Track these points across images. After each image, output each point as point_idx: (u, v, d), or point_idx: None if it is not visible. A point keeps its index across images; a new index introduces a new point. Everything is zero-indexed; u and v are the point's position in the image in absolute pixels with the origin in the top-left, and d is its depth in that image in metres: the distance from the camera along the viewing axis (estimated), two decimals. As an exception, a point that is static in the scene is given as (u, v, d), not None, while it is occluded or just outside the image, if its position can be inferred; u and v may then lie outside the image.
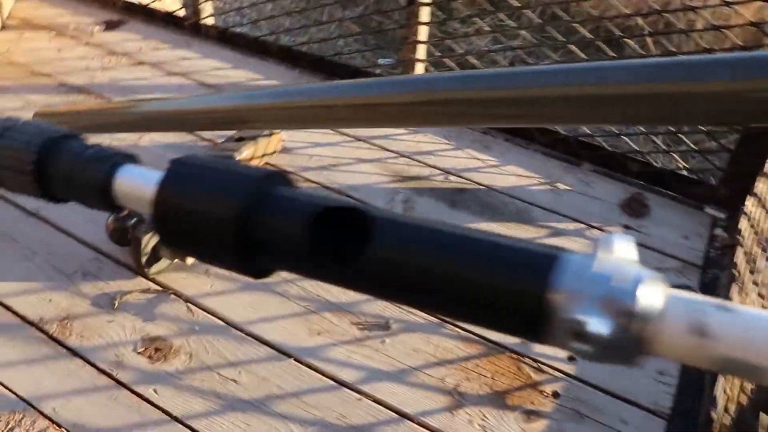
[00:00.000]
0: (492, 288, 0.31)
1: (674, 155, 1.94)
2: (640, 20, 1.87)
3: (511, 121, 1.08)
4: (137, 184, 0.43)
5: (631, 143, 1.86)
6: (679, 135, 1.89)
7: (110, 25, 2.31)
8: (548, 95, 0.92)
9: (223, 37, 2.24)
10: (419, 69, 1.94)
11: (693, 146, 1.86)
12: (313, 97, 1.12)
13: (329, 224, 0.36)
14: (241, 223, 0.36)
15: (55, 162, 0.45)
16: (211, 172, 0.39)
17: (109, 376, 1.28)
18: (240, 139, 1.63)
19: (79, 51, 2.20)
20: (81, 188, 0.44)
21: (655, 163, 1.85)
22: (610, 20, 1.92)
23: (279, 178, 0.39)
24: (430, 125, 1.85)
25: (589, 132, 1.90)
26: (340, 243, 0.36)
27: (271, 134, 1.67)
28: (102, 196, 0.43)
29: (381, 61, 2.94)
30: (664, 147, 1.78)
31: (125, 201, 0.43)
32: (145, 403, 1.24)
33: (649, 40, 2.57)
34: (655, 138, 1.82)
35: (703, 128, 1.79)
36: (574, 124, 1.97)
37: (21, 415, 1.20)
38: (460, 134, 1.94)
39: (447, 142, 1.91)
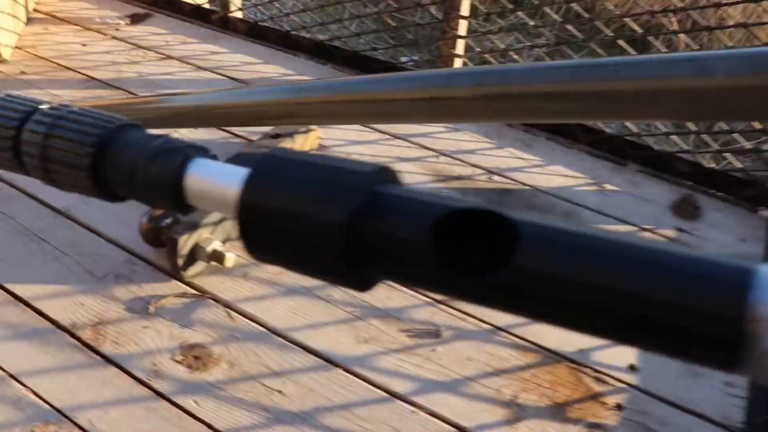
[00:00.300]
0: (673, 307, 0.26)
1: (725, 155, 1.85)
2: (668, 18, 1.78)
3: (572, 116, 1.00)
4: (216, 181, 0.37)
5: (680, 142, 1.77)
6: (731, 134, 1.80)
7: (136, 19, 2.24)
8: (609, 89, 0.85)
9: (253, 32, 2.17)
10: (458, 65, 1.86)
11: (747, 145, 1.77)
12: (359, 91, 1.04)
13: (454, 230, 0.31)
14: (352, 228, 0.31)
15: (115, 155, 0.39)
16: (311, 168, 0.34)
17: (147, 385, 1.20)
18: (276, 136, 1.55)
19: (105, 45, 2.13)
20: (146, 184, 0.38)
21: (704, 163, 1.77)
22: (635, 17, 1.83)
23: (390, 174, 0.34)
24: (498, 119, 1.76)
25: (635, 131, 1.82)
26: (471, 251, 0.31)
27: (308, 131, 1.59)
28: (171, 194, 0.37)
29: (403, 59, 2.86)
30: (717, 147, 1.70)
31: (199, 200, 0.37)
32: (185, 415, 1.15)
33: (681, 36, 2.49)
34: (706, 137, 1.74)
35: (756, 128, 1.70)
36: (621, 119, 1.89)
37: (56, 427, 1.13)
38: (501, 132, 1.86)
39: (488, 140, 1.83)
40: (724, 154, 1.84)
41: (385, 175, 0.33)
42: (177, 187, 0.37)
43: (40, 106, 0.42)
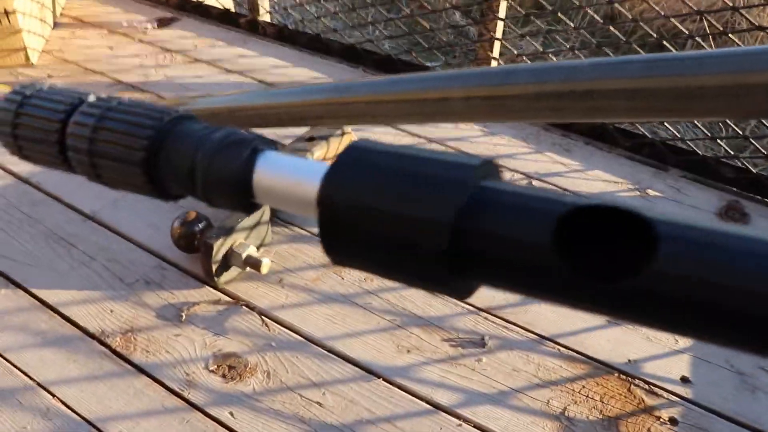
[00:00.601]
0: None
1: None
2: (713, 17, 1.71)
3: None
4: (291, 176, 0.33)
5: (725, 146, 1.70)
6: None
7: (163, 23, 2.20)
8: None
9: (282, 35, 2.12)
10: (496, 48, 1.79)
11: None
12: (408, 89, 0.99)
13: (576, 230, 0.27)
14: (458, 227, 0.27)
15: (172, 148, 0.35)
16: (404, 160, 0.30)
17: (180, 396, 1.14)
18: (311, 139, 1.49)
19: (132, 48, 2.09)
20: (208, 180, 0.34)
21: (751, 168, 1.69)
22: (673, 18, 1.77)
23: (494, 168, 0.30)
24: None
25: (677, 135, 1.75)
26: (596, 255, 0.27)
27: (343, 134, 1.53)
28: (237, 191, 0.34)
29: (429, 64, 2.81)
30: (765, 152, 1.63)
31: (269, 197, 0.34)
32: (221, 427, 1.10)
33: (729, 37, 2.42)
34: (753, 141, 1.66)
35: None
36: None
37: (86, 440, 1.07)
38: (539, 137, 1.80)
39: (526, 144, 1.77)
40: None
41: (490, 168, 0.30)
42: (244, 182, 0.34)
43: (88, 98, 0.38)
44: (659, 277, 0.24)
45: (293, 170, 0.33)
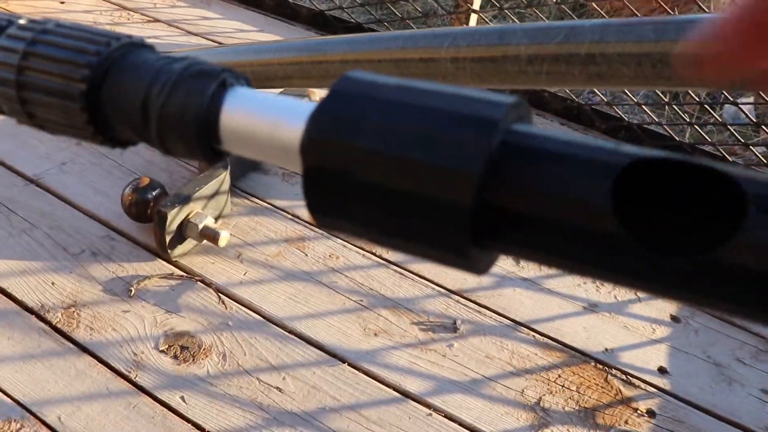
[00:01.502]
0: None
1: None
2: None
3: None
4: (268, 117, 0.26)
5: (702, 133, 1.64)
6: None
7: (120, -21, 2.05)
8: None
9: (248, -2, 2.00)
10: (473, 21, 1.70)
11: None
12: (378, 49, 0.89)
13: (637, 190, 0.21)
14: (486, 181, 0.21)
15: (120, 80, 0.28)
16: (414, 94, 0.23)
17: (126, 378, 1.03)
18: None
19: (86, 4, 1.95)
20: (164, 121, 0.27)
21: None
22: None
23: (526, 111, 0.24)
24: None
25: (654, 119, 1.68)
26: (663, 219, 0.21)
27: (308, 98, 1.43)
28: (200, 134, 0.27)
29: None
30: (742, 140, 1.57)
31: (240, 142, 0.27)
32: (171, 413, 0.99)
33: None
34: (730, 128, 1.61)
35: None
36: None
37: (19, 425, 0.96)
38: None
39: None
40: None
41: (523, 110, 0.23)
42: (209, 123, 0.27)
43: (18, 20, 0.31)
44: (749, 248, 0.19)
45: (271, 109, 0.26)
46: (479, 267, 0.23)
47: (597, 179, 0.20)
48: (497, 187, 0.21)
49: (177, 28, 1.89)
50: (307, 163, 0.23)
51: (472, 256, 0.22)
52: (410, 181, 0.22)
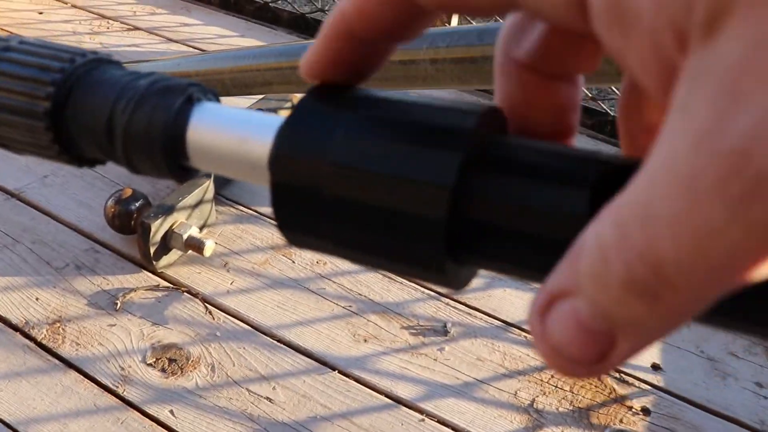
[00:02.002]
0: None
1: None
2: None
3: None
4: (236, 132, 0.25)
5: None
6: None
7: (99, -12, 2.03)
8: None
9: (228, 4, 1.97)
10: (454, 21, 1.69)
11: None
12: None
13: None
14: (460, 193, 0.20)
15: (84, 97, 0.27)
16: (383, 106, 0.22)
17: (114, 393, 1.01)
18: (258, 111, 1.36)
19: (64, 14, 1.92)
20: (129, 138, 0.26)
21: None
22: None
23: (500, 118, 0.22)
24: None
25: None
26: None
27: (291, 102, 1.41)
28: (167, 152, 0.26)
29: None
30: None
31: (207, 159, 0.26)
32: (160, 427, 0.97)
33: None
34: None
35: None
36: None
37: (4, 446, 0.93)
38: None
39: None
40: None
41: (495, 118, 0.22)
42: (175, 139, 0.26)
43: None
44: None
45: (239, 124, 0.25)
46: (457, 282, 0.22)
47: (574, 188, 0.19)
48: (471, 199, 0.20)
49: (157, 35, 1.86)
50: (274, 180, 0.22)
51: (447, 270, 0.21)
52: (381, 196, 0.20)
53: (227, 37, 1.87)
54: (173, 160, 0.26)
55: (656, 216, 0.14)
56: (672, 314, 0.15)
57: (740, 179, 0.12)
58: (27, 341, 1.07)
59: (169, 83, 0.27)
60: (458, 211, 0.20)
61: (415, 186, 0.20)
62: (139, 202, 1.18)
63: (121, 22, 1.91)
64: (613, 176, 0.19)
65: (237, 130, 0.24)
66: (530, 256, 0.20)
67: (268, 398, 1.02)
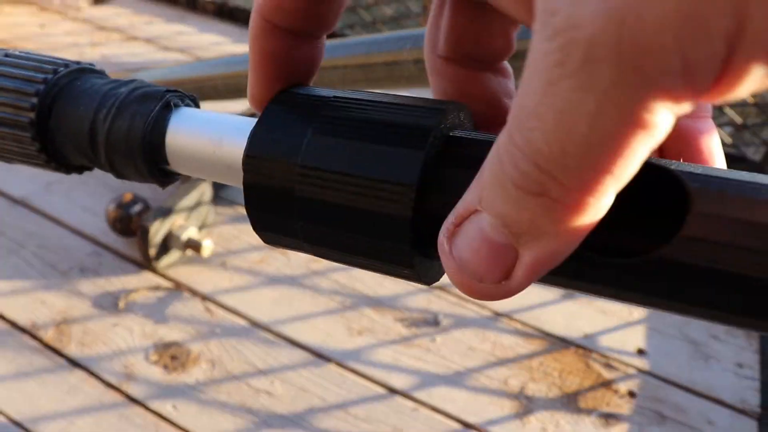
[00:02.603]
0: None
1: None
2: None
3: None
4: (212, 135, 0.26)
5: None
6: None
7: (98, 0, 2.04)
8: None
9: (222, 12, 1.99)
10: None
11: None
12: (343, 55, 0.88)
13: None
14: (424, 191, 0.20)
15: (67, 107, 0.28)
16: (349, 106, 0.22)
17: (118, 390, 1.03)
18: (252, 115, 1.37)
19: (65, 26, 1.93)
20: (110, 145, 0.27)
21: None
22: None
23: (467, 116, 0.23)
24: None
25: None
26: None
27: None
28: (147, 156, 0.27)
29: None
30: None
31: (186, 163, 0.27)
32: (163, 421, 0.99)
33: None
34: None
35: None
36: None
37: (14, 443, 0.95)
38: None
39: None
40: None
41: (463, 115, 0.23)
42: (154, 145, 0.27)
43: None
44: (692, 245, 0.17)
45: (215, 128, 0.25)
46: (427, 277, 0.22)
47: None
48: (436, 196, 0.20)
49: (154, 44, 1.88)
50: (246, 181, 0.23)
51: (416, 266, 0.21)
52: (349, 195, 0.21)
53: (222, 44, 1.88)
54: (154, 165, 0.27)
55: (528, 113, 0.14)
56: (567, 215, 0.14)
57: (577, 52, 0.12)
58: (34, 342, 1.09)
59: (148, 90, 0.28)
60: (423, 207, 0.20)
61: (381, 185, 0.20)
62: (139, 206, 1.20)
63: (120, 32, 1.92)
64: None
65: (212, 133, 0.25)
66: None
67: (267, 391, 1.04)
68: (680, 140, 0.21)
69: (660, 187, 0.20)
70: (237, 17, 1.97)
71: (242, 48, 1.88)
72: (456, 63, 0.23)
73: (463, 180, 0.20)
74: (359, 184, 0.21)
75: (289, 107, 0.23)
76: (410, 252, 0.21)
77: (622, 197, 0.21)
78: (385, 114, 0.21)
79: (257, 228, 0.24)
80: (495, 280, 0.16)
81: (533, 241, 0.15)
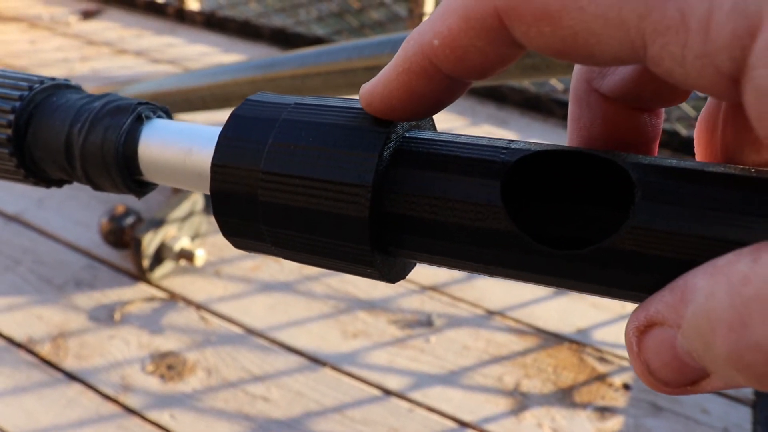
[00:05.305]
0: None
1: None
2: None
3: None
4: (182, 145, 0.26)
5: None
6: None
7: (87, 15, 2.04)
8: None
9: (211, 22, 1.98)
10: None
11: None
12: (325, 61, 0.88)
13: (525, 185, 0.22)
14: (379, 191, 0.21)
15: (43, 122, 0.28)
16: (309, 111, 0.22)
17: (116, 401, 1.02)
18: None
19: (55, 42, 1.92)
20: (86, 158, 0.27)
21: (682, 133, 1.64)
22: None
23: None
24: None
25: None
26: (552, 213, 0.22)
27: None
28: (120, 168, 0.27)
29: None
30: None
31: (159, 173, 0.27)
32: (161, 431, 0.98)
33: None
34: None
35: None
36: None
37: (12, 458, 0.94)
38: (474, 110, 1.71)
39: (462, 117, 1.68)
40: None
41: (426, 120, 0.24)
42: (128, 156, 0.27)
43: None
44: (637, 234, 0.17)
45: (184, 137, 0.26)
46: (391, 275, 0.23)
47: (486, 179, 0.19)
48: (392, 195, 0.20)
49: (144, 57, 1.87)
50: (212, 188, 0.23)
51: (377, 265, 0.21)
52: (309, 198, 0.21)
53: (211, 55, 1.87)
54: (128, 176, 0.27)
55: None
56: None
57: None
58: (31, 357, 1.08)
59: (120, 104, 0.28)
60: (380, 207, 0.20)
61: (338, 187, 0.20)
62: (131, 218, 1.19)
63: (110, 46, 1.92)
64: (526, 164, 0.20)
65: (183, 143, 0.26)
66: (453, 247, 0.20)
67: (263, 397, 1.03)
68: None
69: (609, 178, 0.20)
70: (226, 27, 1.97)
71: (232, 57, 1.87)
72: (617, 102, 0.21)
73: (419, 179, 0.20)
74: (318, 188, 0.21)
75: (253, 115, 0.23)
76: (370, 251, 0.21)
77: (573, 190, 0.21)
78: (342, 118, 0.21)
79: (225, 233, 0.24)
80: (680, 386, 0.16)
81: (732, 378, 0.15)
